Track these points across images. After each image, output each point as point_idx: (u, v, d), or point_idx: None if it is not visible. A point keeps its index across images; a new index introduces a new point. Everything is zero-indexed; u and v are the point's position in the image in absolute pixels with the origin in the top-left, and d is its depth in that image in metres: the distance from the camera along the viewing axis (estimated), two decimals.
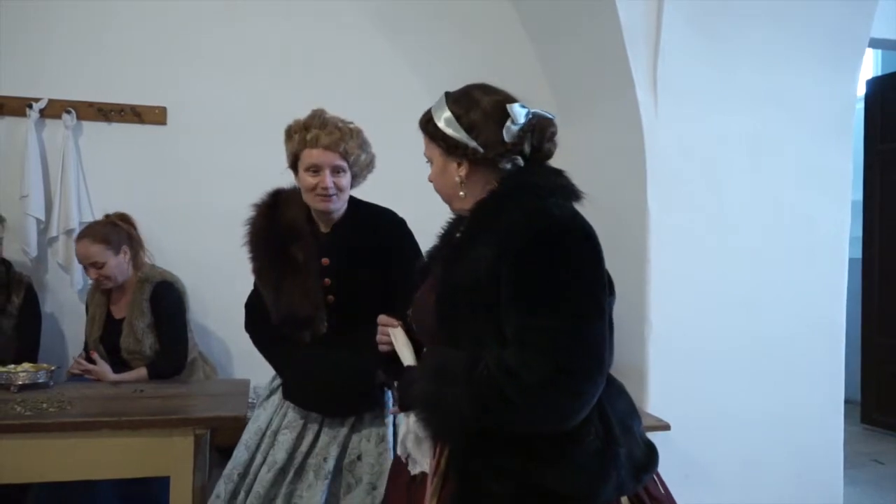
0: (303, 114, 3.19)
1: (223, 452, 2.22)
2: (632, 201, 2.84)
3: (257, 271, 1.93)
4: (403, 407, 1.31)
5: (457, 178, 1.33)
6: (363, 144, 1.92)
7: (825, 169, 2.98)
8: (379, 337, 1.43)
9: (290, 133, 1.90)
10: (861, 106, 4.99)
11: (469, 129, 1.30)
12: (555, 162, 3.64)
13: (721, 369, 2.83)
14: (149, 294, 2.54)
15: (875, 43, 3.58)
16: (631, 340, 2.80)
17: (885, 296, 4.79)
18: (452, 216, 1.47)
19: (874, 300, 4.89)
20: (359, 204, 2.02)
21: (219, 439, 2.36)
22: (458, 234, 1.36)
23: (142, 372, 2.46)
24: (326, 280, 1.89)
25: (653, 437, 2.70)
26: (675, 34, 2.76)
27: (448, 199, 1.38)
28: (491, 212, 1.28)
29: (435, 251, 1.45)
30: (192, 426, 1.89)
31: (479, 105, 1.31)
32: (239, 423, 1.95)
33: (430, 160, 1.39)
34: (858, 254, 5.02)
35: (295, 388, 1.92)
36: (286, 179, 2.04)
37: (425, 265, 1.46)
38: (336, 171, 1.86)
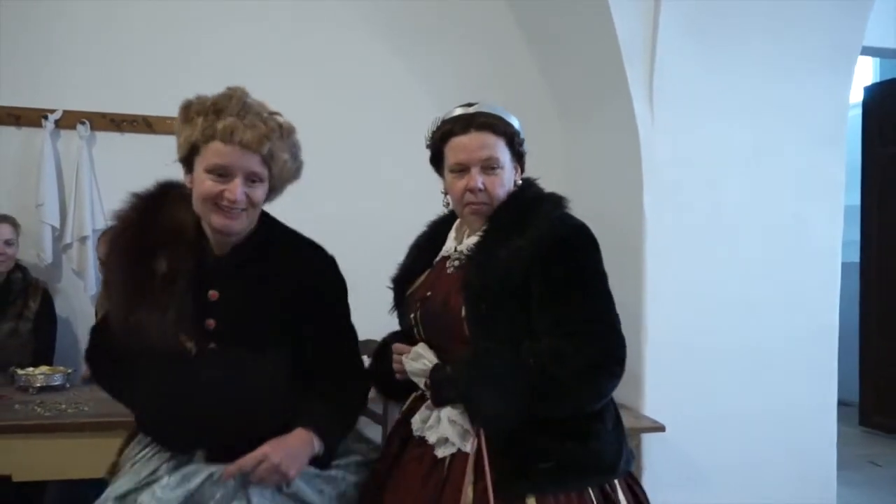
0: (307, 119, 3.35)
1: None
2: (629, 207, 2.92)
3: (105, 283, 1.52)
4: (439, 402, 1.42)
5: (516, 183, 1.51)
6: (293, 147, 1.43)
7: (818, 175, 3.05)
8: (395, 366, 1.50)
9: (189, 113, 1.37)
10: (859, 112, 5.08)
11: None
12: (556, 169, 3.76)
13: (716, 372, 2.90)
14: None
15: (868, 51, 3.65)
16: (627, 343, 2.87)
17: (883, 299, 4.85)
18: (436, 220, 1.65)
19: (872, 303, 4.95)
20: (275, 226, 1.51)
21: None
22: (476, 238, 1.47)
23: None
24: (210, 321, 1.40)
25: (648, 438, 2.82)
26: (671, 45, 2.84)
27: (495, 203, 1.46)
28: (515, 218, 1.44)
29: (435, 253, 1.58)
30: None
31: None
32: None
33: (497, 166, 1.45)
34: (856, 257, 5.08)
35: (166, 417, 1.39)
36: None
37: (413, 266, 1.59)
38: (251, 178, 1.36)
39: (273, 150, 1.36)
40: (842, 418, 5.13)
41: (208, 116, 1.34)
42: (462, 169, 1.46)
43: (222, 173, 1.33)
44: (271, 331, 1.42)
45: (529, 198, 1.49)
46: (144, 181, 3.14)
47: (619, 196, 3.00)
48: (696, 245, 2.90)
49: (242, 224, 1.39)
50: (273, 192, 1.45)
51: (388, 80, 3.41)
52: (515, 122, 1.52)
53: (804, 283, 3.01)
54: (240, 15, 3.25)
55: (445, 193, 1.56)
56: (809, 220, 3.03)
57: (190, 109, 1.37)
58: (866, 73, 5.52)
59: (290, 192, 1.54)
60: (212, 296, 1.40)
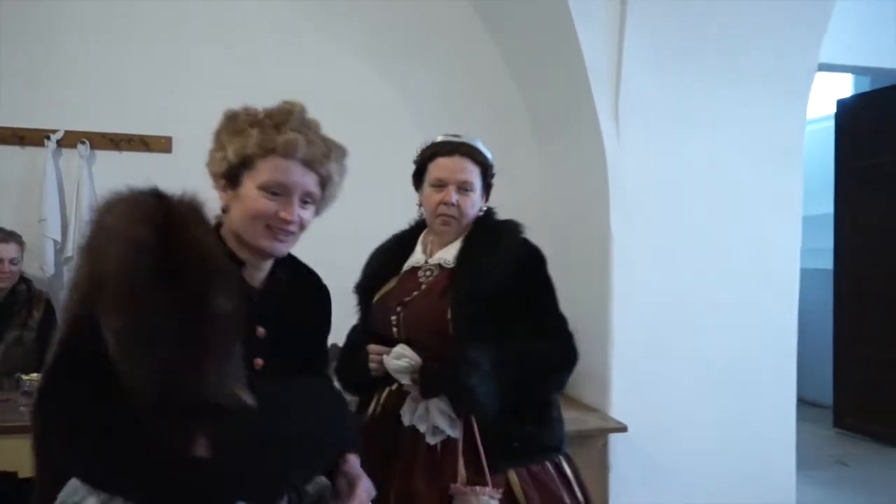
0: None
1: None
2: (597, 221, 3.10)
3: (131, 331, 1.04)
4: (429, 395, 1.65)
5: (481, 209, 1.81)
6: (344, 171, 1.33)
7: (777, 189, 3.23)
8: (372, 365, 1.71)
9: (238, 124, 1.25)
10: (832, 124, 5.27)
11: None
12: (532, 183, 3.95)
13: (679, 376, 3.08)
14: None
15: (824, 67, 3.84)
16: (595, 350, 3.05)
17: (857, 305, 5.01)
18: (400, 233, 1.91)
19: (846, 310, 5.12)
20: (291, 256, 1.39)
21: None
22: (454, 251, 1.76)
23: None
24: (258, 361, 1.24)
25: (614, 439, 2.98)
26: (635, 67, 3.02)
27: (464, 222, 1.76)
28: (487, 237, 1.75)
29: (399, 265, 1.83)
30: None
31: None
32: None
33: (470, 189, 1.75)
34: (830, 265, 5.26)
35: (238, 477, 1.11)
36: None
37: (380, 274, 1.82)
38: (305, 199, 1.26)
39: (330, 171, 1.28)
40: (816, 420, 5.35)
41: (266, 129, 1.23)
42: (441, 185, 1.73)
43: (278, 191, 1.22)
44: (311, 360, 1.38)
45: (495, 221, 1.81)
46: None
47: (588, 210, 3.18)
48: (660, 256, 3.07)
49: (288, 247, 1.28)
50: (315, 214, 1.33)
51: (373, 99, 3.59)
52: (490, 157, 1.81)
53: (763, 290, 3.18)
54: (231, 40, 3.43)
55: (420, 205, 1.82)
56: (768, 231, 3.21)
57: (238, 120, 1.26)
58: (845, 87, 5.69)
59: None
60: (259, 333, 1.26)
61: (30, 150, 3.25)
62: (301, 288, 1.38)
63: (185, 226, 1.15)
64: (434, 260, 1.77)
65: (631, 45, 2.98)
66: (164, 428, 1.04)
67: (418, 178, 1.83)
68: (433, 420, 1.63)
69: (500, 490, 1.60)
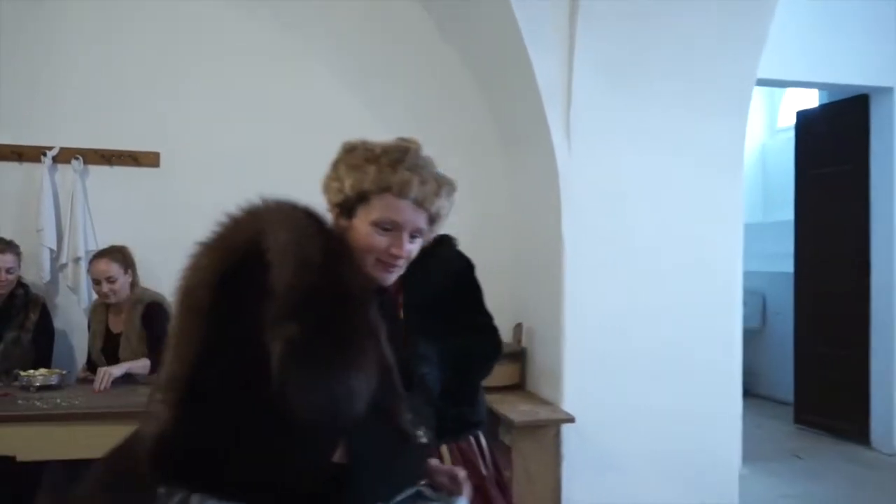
0: (275, 154, 3.77)
1: None
2: (551, 230, 3.36)
3: (302, 344, 1.08)
4: None
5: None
6: (452, 206, 1.39)
7: (719, 198, 3.49)
8: None
9: (355, 159, 1.30)
10: (792, 135, 5.54)
11: None
12: (501, 195, 4.22)
13: (627, 371, 3.33)
14: (141, 312, 3.07)
15: (763, 82, 4.12)
16: (549, 347, 3.31)
17: (816, 307, 5.26)
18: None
19: (806, 311, 5.37)
20: None
21: None
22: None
23: (143, 360, 2.97)
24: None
25: (567, 430, 3.22)
26: (585, 85, 3.28)
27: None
28: (430, 251, 1.98)
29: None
30: None
31: None
32: None
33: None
34: (791, 268, 5.52)
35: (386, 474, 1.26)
36: None
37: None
38: (413, 234, 1.32)
39: (439, 208, 1.32)
40: (779, 417, 5.61)
41: (382, 167, 1.27)
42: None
43: (390, 227, 1.27)
44: (452, 325, 1.84)
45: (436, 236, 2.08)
46: (131, 209, 3.60)
47: (544, 219, 3.44)
48: (609, 262, 3.33)
49: (395, 277, 1.35)
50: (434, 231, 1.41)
51: (347, 116, 3.84)
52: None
53: (706, 292, 3.44)
54: (214, 62, 3.69)
55: None
56: (710, 238, 3.46)
57: (356, 154, 1.30)
58: (811, 99, 5.91)
59: None
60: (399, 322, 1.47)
61: (27, 166, 3.51)
62: (437, 273, 1.70)
63: (345, 251, 1.24)
64: None
65: (580, 67, 3.25)
66: (311, 436, 1.09)
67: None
68: None
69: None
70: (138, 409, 2.08)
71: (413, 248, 1.32)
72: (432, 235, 1.38)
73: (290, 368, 1.03)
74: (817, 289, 5.25)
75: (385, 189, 1.25)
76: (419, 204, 1.28)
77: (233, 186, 3.56)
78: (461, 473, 1.39)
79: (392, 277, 1.32)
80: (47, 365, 3.10)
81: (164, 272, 3.45)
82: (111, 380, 2.81)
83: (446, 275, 2.03)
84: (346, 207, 1.29)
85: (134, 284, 3.16)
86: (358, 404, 1.06)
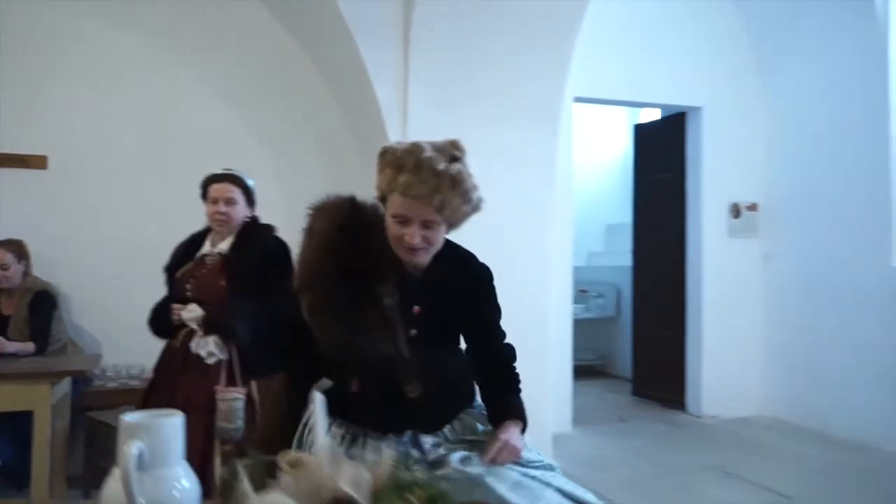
0: (153, 158, 4.26)
1: None
2: None
3: (315, 306, 1.57)
4: (209, 333, 2.59)
5: (247, 216, 2.73)
6: (466, 192, 1.59)
7: (534, 199, 4.19)
8: (174, 315, 2.61)
9: (382, 163, 1.59)
10: (631, 144, 6.39)
11: None
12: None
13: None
14: (30, 299, 3.54)
15: (578, 99, 4.91)
16: None
17: (649, 297, 6.11)
18: (194, 234, 2.79)
19: (640, 298, 6.22)
20: (447, 243, 1.71)
21: None
22: (226, 246, 2.68)
23: (29, 345, 3.43)
24: (413, 331, 1.60)
25: None
26: (418, 106, 3.92)
27: (233, 223, 2.67)
28: (250, 235, 2.70)
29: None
30: (49, 378, 2.92)
31: None
32: (83, 376, 2.99)
33: (236, 202, 2.66)
34: (630, 262, 6.37)
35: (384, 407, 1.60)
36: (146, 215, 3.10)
37: (181, 260, 2.71)
38: (426, 224, 1.55)
39: (444, 200, 1.53)
40: (621, 391, 6.45)
41: (392, 170, 1.54)
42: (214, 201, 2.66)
43: (402, 220, 1.54)
44: (456, 331, 1.73)
45: (257, 224, 2.71)
46: (22, 208, 4.03)
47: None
48: None
49: (424, 258, 1.59)
50: (453, 226, 1.64)
51: (220, 122, 4.38)
52: (250, 182, 2.71)
53: (524, 283, 4.13)
54: (103, 73, 4.17)
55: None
56: (529, 237, 4.15)
57: (382, 159, 1.59)
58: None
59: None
60: (416, 311, 1.61)
61: None
62: (457, 275, 1.70)
63: (367, 233, 1.57)
64: (216, 250, 2.67)
65: (413, 91, 3.90)
66: (333, 367, 1.59)
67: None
68: (210, 348, 2.54)
69: (244, 391, 2.49)
70: (21, 372, 2.67)
71: (429, 234, 1.56)
72: (459, 217, 1.62)
73: (308, 321, 1.55)
74: (649, 279, 6.10)
75: (394, 189, 1.54)
76: (421, 199, 1.51)
77: (116, 187, 4.13)
78: (499, 437, 1.58)
79: (418, 258, 1.59)
80: None
81: (54, 265, 3.93)
82: (4, 349, 3.29)
83: (262, 252, 2.59)
84: (383, 201, 1.62)
85: (27, 274, 3.62)
86: (346, 350, 1.53)
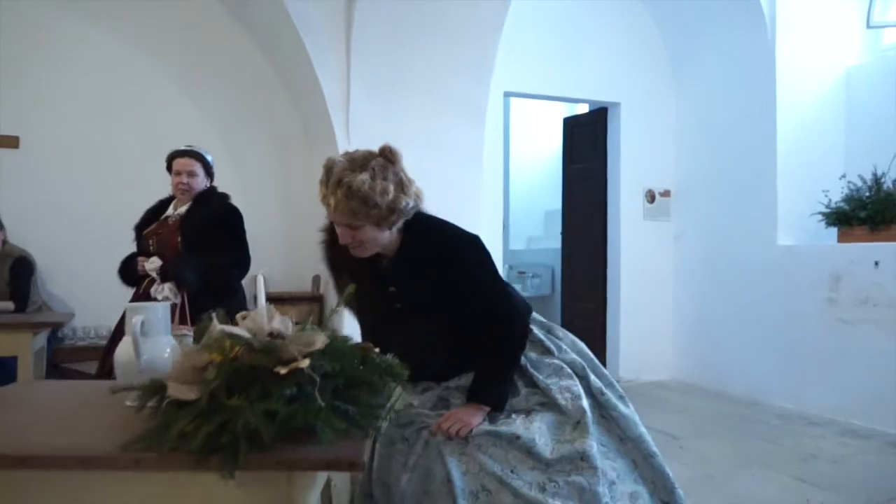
0: (118, 142, 4.67)
1: None
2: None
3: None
4: (165, 280, 3.07)
5: (206, 185, 3.23)
6: (368, 199, 1.72)
7: (464, 186, 4.74)
8: (139, 267, 3.13)
9: (320, 179, 1.80)
10: (561, 136, 6.98)
11: None
12: (307, 182, 5.30)
13: None
14: (10, 264, 3.95)
15: (508, 94, 5.49)
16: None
17: (575, 275, 6.71)
18: (162, 200, 3.31)
19: (568, 278, 6.83)
20: (421, 226, 1.93)
21: None
22: (184, 209, 3.17)
23: (10, 304, 3.83)
24: (397, 305, 1.90)
25: None
26: (359, 99, 4.44)
27: (193, 191, 3.17)
28: (206, 201, 3.22)
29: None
30: (31, 328, 3.37)
31: None
32: (51, 328, 3.50)
33: (197, 174, 3.21)
34: (559, 244, 6.98)
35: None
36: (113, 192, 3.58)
37: (148, 221, 3.22)
38: (352, 227, 1.76)
39: (353, 208, 1.71)
40: None
41: (320, 184, 1.77)
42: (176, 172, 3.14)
43: (337, 225, 1.79)
44: (438, 304, 1.86)
45: (214, 193, 3.19)
46: None
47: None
48: None
49: (367, 252, 1.82)
50: (382, 222, 1.78)
51: (182, 115, 4.82)
52: (209, 158, 3.19)
53: None
54: (67, 60, 4.56)
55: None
56: (459, 222, 4.68)
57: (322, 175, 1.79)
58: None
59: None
60: (391, 291, 1.88)
61: None
62: (429, 257, 1.85)
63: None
64: (176, 213, 3.17)
65: (355, 85, 4.41)
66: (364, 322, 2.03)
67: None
68: (166, 293, 3.03)
69: (193, 328, 2.95)
70: (5, 323, 3.11)
71: (358, 234, 1.76)
72: (396, 213, 1.79)
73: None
74: (573, 259, 6.72)
75: (322, 201, 1.78)
76: (336, 210, 1.73)
77: (83, 167, 4.53)
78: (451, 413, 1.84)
79: (358, 254, 1.82)
80: None
81: (25, 235, 4.33)
82: None
83: (214, 214, 3.09)
84: None
85: (4, 241, 4.02)
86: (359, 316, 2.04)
